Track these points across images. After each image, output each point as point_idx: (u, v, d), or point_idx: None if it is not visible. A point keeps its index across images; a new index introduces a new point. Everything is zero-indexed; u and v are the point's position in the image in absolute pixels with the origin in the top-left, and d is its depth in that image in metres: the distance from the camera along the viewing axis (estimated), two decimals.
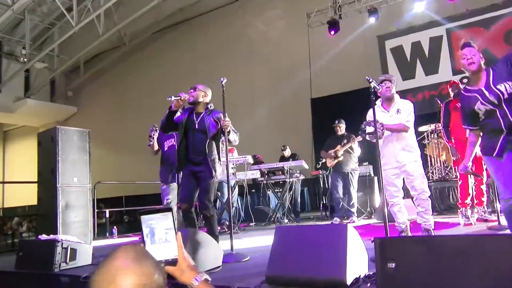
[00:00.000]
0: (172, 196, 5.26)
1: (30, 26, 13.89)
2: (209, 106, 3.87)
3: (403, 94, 10.41)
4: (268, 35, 11.76)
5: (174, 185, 5.32)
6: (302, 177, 7.14)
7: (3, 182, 16.36)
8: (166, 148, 5.43)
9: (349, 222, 5.97)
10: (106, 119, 14.70)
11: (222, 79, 3.66)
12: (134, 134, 12.88)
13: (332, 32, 10.30)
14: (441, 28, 9.30)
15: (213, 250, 2.93)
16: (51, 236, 3.50)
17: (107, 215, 6.18)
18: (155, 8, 11.79)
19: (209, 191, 3.70)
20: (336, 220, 6.08)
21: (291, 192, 6.95)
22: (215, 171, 3.70)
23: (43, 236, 3.49)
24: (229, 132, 3.66)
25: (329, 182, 7.43)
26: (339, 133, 6.35)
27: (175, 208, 5.26)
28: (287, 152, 7.78)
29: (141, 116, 13.62)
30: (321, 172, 7.43)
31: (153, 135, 5.33)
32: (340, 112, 10.72)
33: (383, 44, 10.37)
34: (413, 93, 9.86)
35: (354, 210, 6.10)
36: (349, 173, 6.14)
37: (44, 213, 5.15)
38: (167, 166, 5.35)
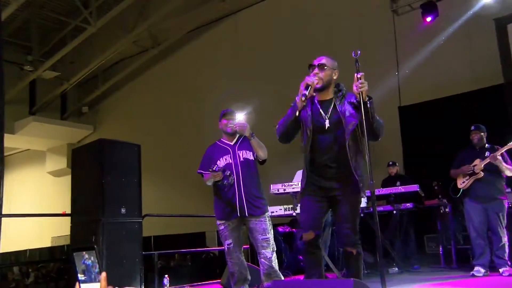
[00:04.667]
0: (233, 240, 4.17)
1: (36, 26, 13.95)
2: (340, 87, 3.27)
3: None
4: (337, 25, 11.21)
5: (236, 221, 4.18)
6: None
7: (19, 215, 15.39)
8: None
9: (503, 275, 5.11)
10: (127, 139, 14.43)
11: (356, 52, 3.07)
12: (168, 156, 12.52)
13: (429, 19, 9.64)
14: None
15: None
16: None
17: (156, 258, 5.62)
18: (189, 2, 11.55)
19: (353, 217, 3.08)
20: (479, 271, 5.21)
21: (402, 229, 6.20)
22: (362, 185, 3.09)
23: None
24: (366, 97, 3.06)
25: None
26: (476, 142, 5.50)
27: (240, 258, 4.26)
28: (395, 170, 7.10)
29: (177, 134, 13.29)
30: (438, 201, 6.66)
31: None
32: (439, 122, 10.09)
33: (503, 29, 9.46)
34: None
35: (505, 255, 5.23)
36: (495, 201, 5.29)
37: None
38: (223, 195, 4.22)
